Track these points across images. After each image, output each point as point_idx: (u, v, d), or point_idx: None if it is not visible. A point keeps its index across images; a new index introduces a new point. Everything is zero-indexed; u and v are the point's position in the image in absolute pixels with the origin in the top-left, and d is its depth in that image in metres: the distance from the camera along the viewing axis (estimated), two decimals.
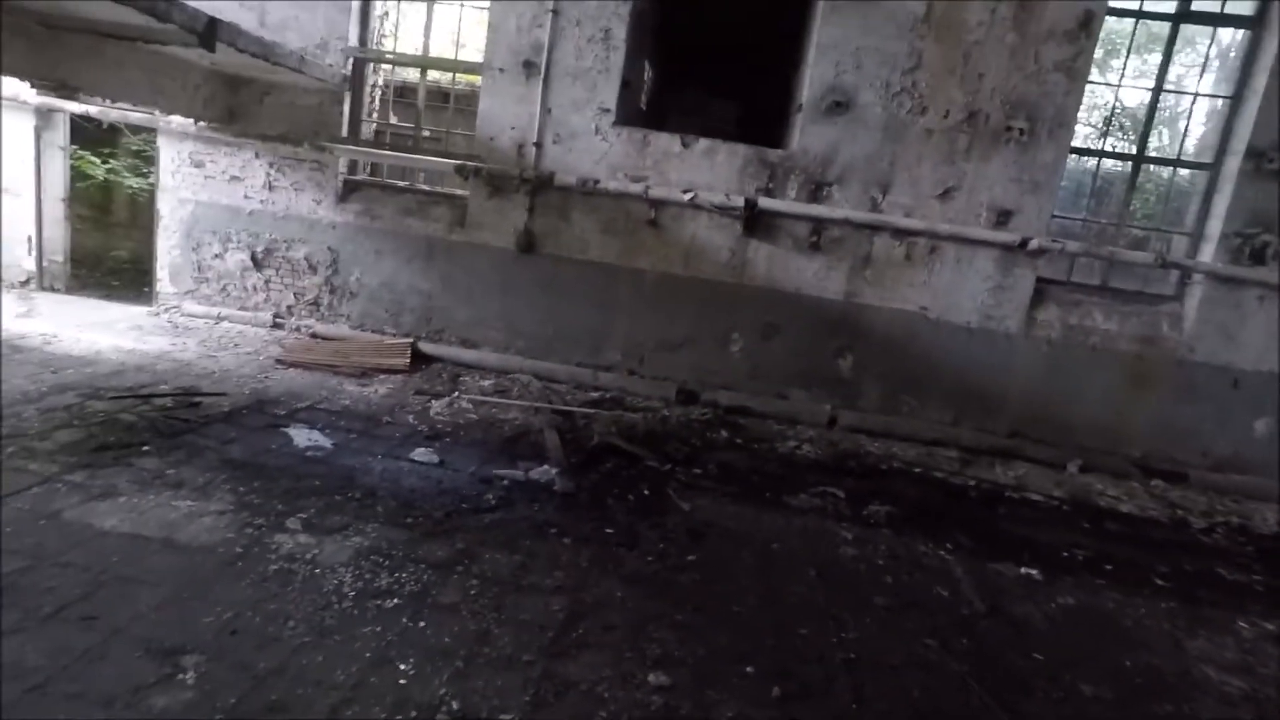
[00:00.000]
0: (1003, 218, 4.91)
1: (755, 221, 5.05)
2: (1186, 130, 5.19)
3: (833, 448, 4.79)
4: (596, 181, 5.17)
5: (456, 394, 4.81)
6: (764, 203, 4.99)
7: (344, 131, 5.54)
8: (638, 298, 5.31)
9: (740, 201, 4.97)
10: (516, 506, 3.28)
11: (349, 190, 5.64)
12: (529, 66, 5.16)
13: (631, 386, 5.36)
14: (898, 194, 4.97)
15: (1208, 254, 4.87)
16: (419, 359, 5.43)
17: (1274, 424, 4.87)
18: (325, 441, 3.72)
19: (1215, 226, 4.84)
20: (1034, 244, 4.84)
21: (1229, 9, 4.82)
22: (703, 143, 5.12)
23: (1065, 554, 3.63)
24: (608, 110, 5.14)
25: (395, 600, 2.43)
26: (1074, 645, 2.76)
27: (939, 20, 4.76)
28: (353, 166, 5.70)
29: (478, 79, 5.52)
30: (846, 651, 2.51)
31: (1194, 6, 4.89)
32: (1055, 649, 2.71)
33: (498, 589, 2.57)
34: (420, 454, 3.71)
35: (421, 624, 2.31)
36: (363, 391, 4.65)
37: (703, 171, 5.12)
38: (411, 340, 5.48)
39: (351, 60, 5.50)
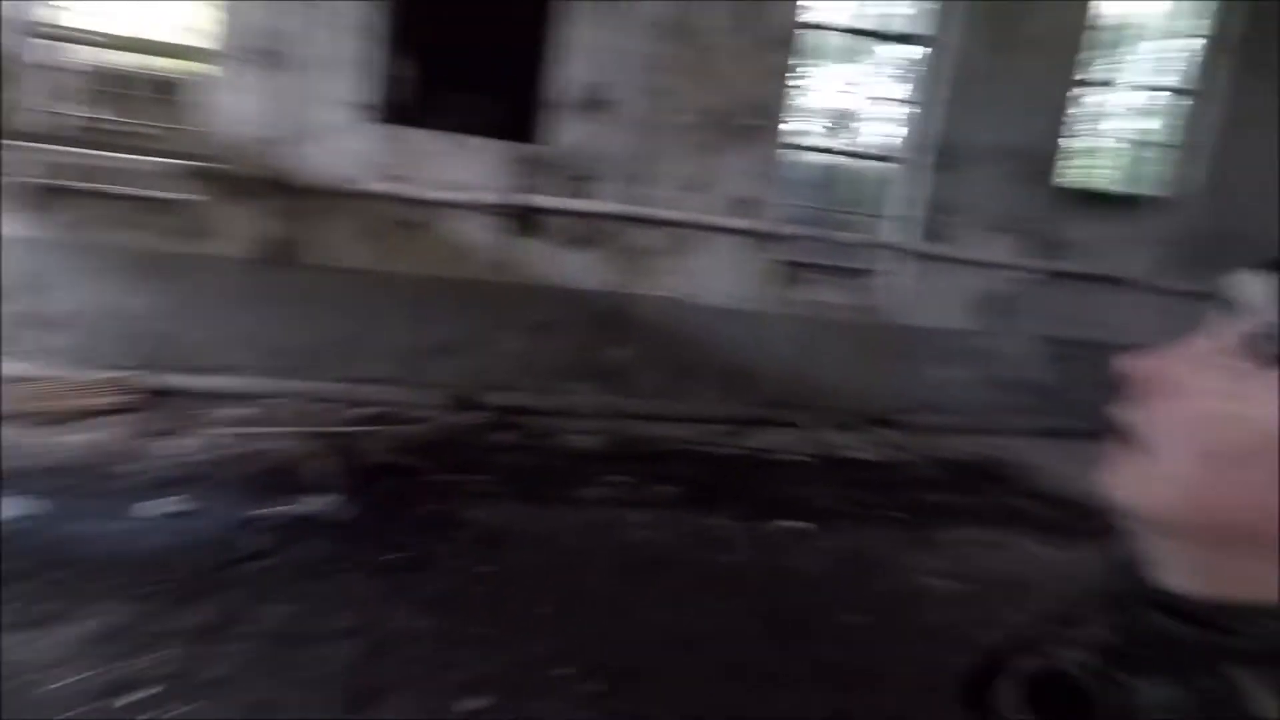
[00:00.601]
0: (748, 207, 5.42)
1: (522, 219, 5.04)
2: (891, 128, 6.14)
3: (615, 437, 4.98)
4: (354, 182, 4.79)
5: (203, 429, 4.21)
6: (530, 199, 4.99)
7: (23, 125, 4.50)
8: (404, 304, 5.04)
9: (506, 199, 4.92)
10: (289, 547, 2.96)
11: (45, 198, 4.59)
12: (273, 56, 4.60)
13: (405, 398, 5.09)
14: (658, 187, 5.25)
15: (905, 233, 5.79)
16: (153, 394, 4.65)
17: (950, 371, 5.94)
18: (35, 508, 3.05)
19: (912, 210, 5.77)
20: (773, 230, 5.42)
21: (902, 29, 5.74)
22: (467, 140, 4.97)
23: (822, 504, 4.15)
24: (366, 106, 4.78)
25: (145, 691, 2.08)
26: (837, 582, 3.18)
27: (683, 24, 5.08)
28: (54, 170, 4.62)
29: (214, 69, 4.78)
30: (654, 633, 2.64)
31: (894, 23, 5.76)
32: (824, 589, 3.10)
33: (277, 647, 2.31)
34: (162, 505, 3.19)
35: (184, 710, 2.01)
36: (82, 440, 3.88)
37: (468, 170, 4.97)
38: (140, 372, 4.67)
39: (32, 38, 4.46)
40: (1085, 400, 5.83)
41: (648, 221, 5.24)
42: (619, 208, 5.17)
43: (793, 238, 5.52)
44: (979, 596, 3.17)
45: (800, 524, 3.78)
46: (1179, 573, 0.52)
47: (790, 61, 5.29)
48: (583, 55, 4.98)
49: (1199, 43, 6.08)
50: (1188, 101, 6.13)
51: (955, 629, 2.77)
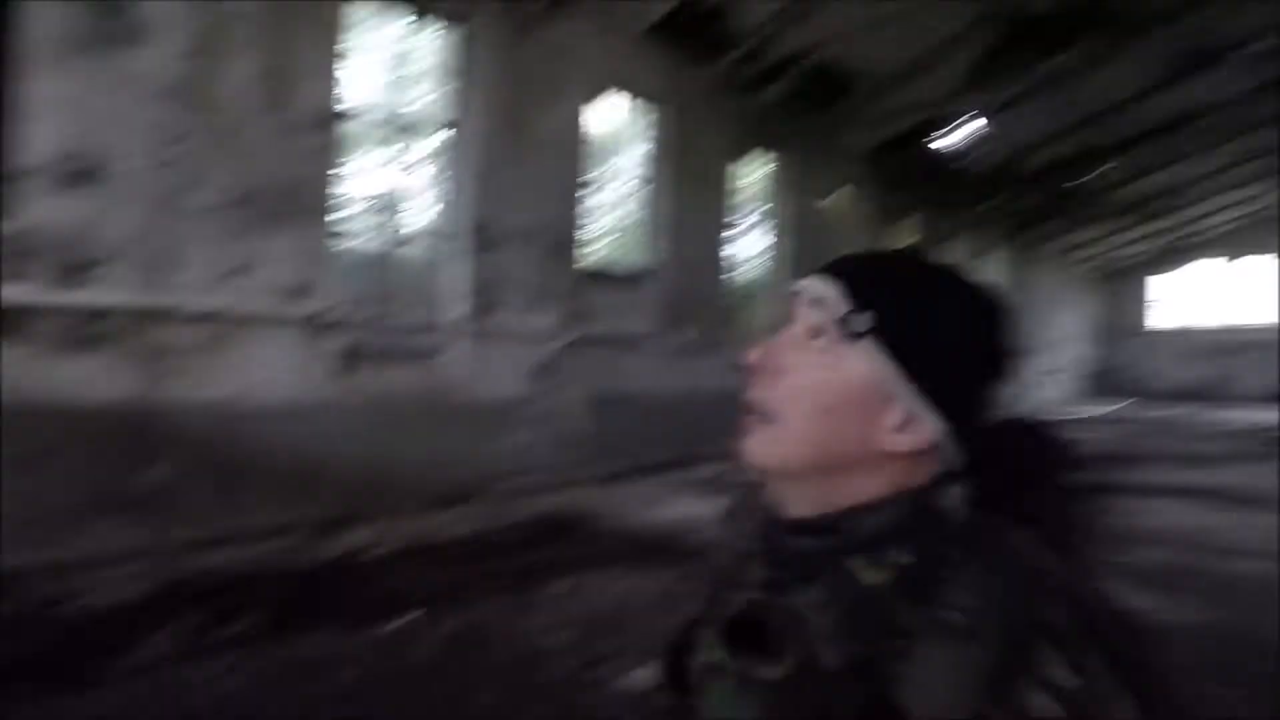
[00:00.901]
0: (297, 295, 5.06)
1: None
2: (435, 211, 6.46)
3: (163, 578, 4.05)
4: None
5: None
6: None
7: None
8: None
9: None
10: None
11: None
12: None
13: None
14: (186, 275, 4.53)
15: (456, 312, 6.15)
16: None
17: (514, 438, 6.52)
18: None
19: (460, 288, 6.16)
20: (328, 317, 5.18)
21: (433, 117, 6.18)
22: None
23: (425, 592, 4.06)
24: None
25: None
26: (461, 667, 3.18)
27: (204, 95, 4.54)
28: None
29: None
30: None
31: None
32: (447, 678, 3.06)
33: None
34: None
35: None
36: None
37: None
38: None
39: None
40: (626, 443, 7.00)
41: (175, 315, 4.47)
42: (134, 300, 4.29)
43: (349, 324, 5.35)
44: (591, 638, 3.54)
45: (407, 618, 3.66)
46: (799, 503, 0.66)
47: (329, 144, 5.20)
48: (60, 117, 4.05)
49: (651, 147, 8.05)
50: (652, 192, 8.03)
51: (577, 676, 3.05)
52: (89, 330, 4.13)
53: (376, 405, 5.47)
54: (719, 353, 8.49)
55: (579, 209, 7.09)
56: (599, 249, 7.66)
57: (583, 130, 7.07)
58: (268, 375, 4.90)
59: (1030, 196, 14.44)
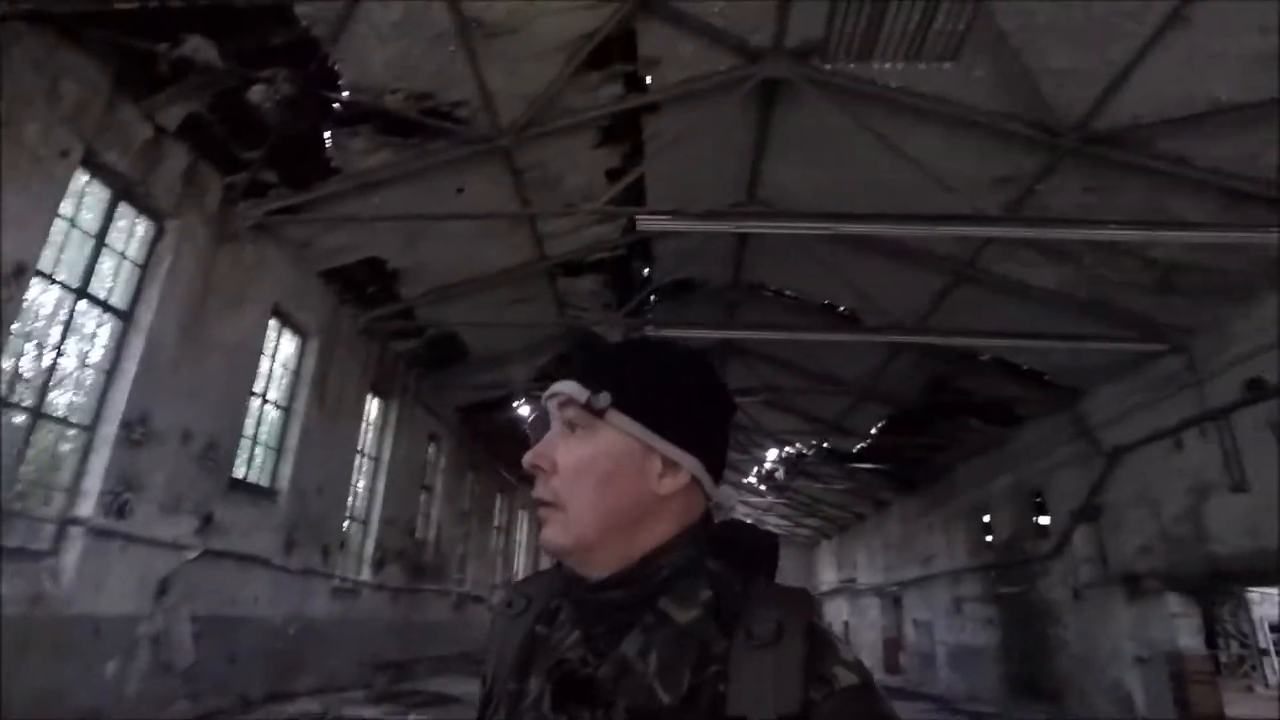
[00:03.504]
0: None
1: None
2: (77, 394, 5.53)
3: None
4: None
5: None
6: None
7: None
8: None
9: None
10: None
11: None
12: None
13: None
14: None
15: (86, 509, 5.28)
16: None
17: (123, 663, 5.47)
18: None
19: (93, 483, 5.34)
20: None
21: (114, 301, 5.71)
22: None
23: None
24: None
25: None
26: None
27: None
28: None
29: None
30: None
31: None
32: None
33: None
34: None
35: None
36: None
37: None
38: None
39: None
40: (231, 675, 6.33)
41: None
42: None
43: None
44: None
45: None
46: (604, 566, 0.74)
47: (12, 298, 4.52)
48: None
49: (290, 373, 8.35)
50: (284, 415, 8.16)
51: None
52: None
53: None
54: (328, 578, 8.37)
55: (238, 418, 6.88)
56: (241, 461, 7.30)
57: (255, 344, 7.17)
58: None
59: None
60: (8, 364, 4.71)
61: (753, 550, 0.78)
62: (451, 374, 11.68)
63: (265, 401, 7.70)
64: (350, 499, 9.61)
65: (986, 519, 13.85)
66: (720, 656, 0.67)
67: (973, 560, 14.24)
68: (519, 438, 15.03)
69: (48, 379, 5.14)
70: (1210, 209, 6.23)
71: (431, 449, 12.56)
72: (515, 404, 13.49)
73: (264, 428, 7.75)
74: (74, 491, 5.28)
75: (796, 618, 0.68)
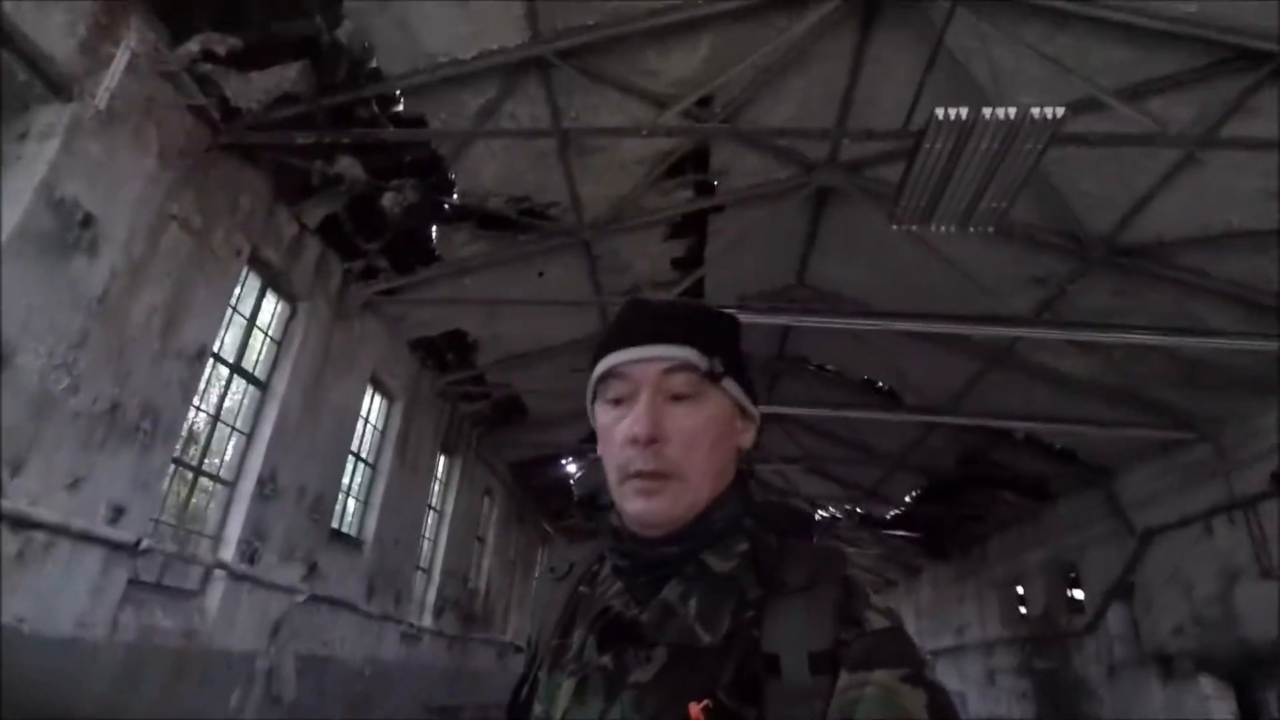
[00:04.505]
0: (116, 514, 4.78)
1: None
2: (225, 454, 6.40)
3: None
4: None
5: None
6: None
7: None
8: None
9: None
10: None
11: None
12: None
13: None
14: (29, 478, 4.14)
15: (227, 554, 6.06)
16: None
17: (244, 694, 6.17)
18: None
19: (233, 532, 6.14)
20: (144, 543, 4.91)
21: (257, 373, 6.62)
22: None
23: None
24: None
25: None
26: None
27: (113, 305, 4.67)
28: None
29: None
30: None
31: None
32: None
33: None
34: None
35: None
36: None
37: None
38: None
39: None
40: (322, 709, 6.96)
41: (9, 519, 4.00)
42: None
43: (145, 551, 5.04)
44: None
45: None
46: (669, 522, 0.75)
47: (195, 378, 5.42)
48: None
49: (378, 433, 9.17)
50: (371, 471, 8.95)
51: None
52: None
53: (140, 646, 4.96)
54: (399, 623, 9.03)
55: (339, 475, 7.70)
56: (337, 513, 8.08)
57: (355, 408, 8.04)
58: (58, 600, 4.35)
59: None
60: (184, 430, 5.57)
61: (785, 515, 0.83)
62: (509, 432, 12.46)
63: (359, 459, 8.51)
64: (419, 549, 10.32)
65: (1020, 591, 14.05)
66: (755, 603, 0.70)
67: (1006, 632, 14.39)
68: (564, 490, 15.70)
69: (208, 442, 6.00)
70: (1234, 314, 6.84)
71: (486, 502, 13.28)
72: (564, 460, 14.21)
73: (355, 482, 8.54)
74: (217, 539, 6.08)
75: (831, 569, 0.72)
